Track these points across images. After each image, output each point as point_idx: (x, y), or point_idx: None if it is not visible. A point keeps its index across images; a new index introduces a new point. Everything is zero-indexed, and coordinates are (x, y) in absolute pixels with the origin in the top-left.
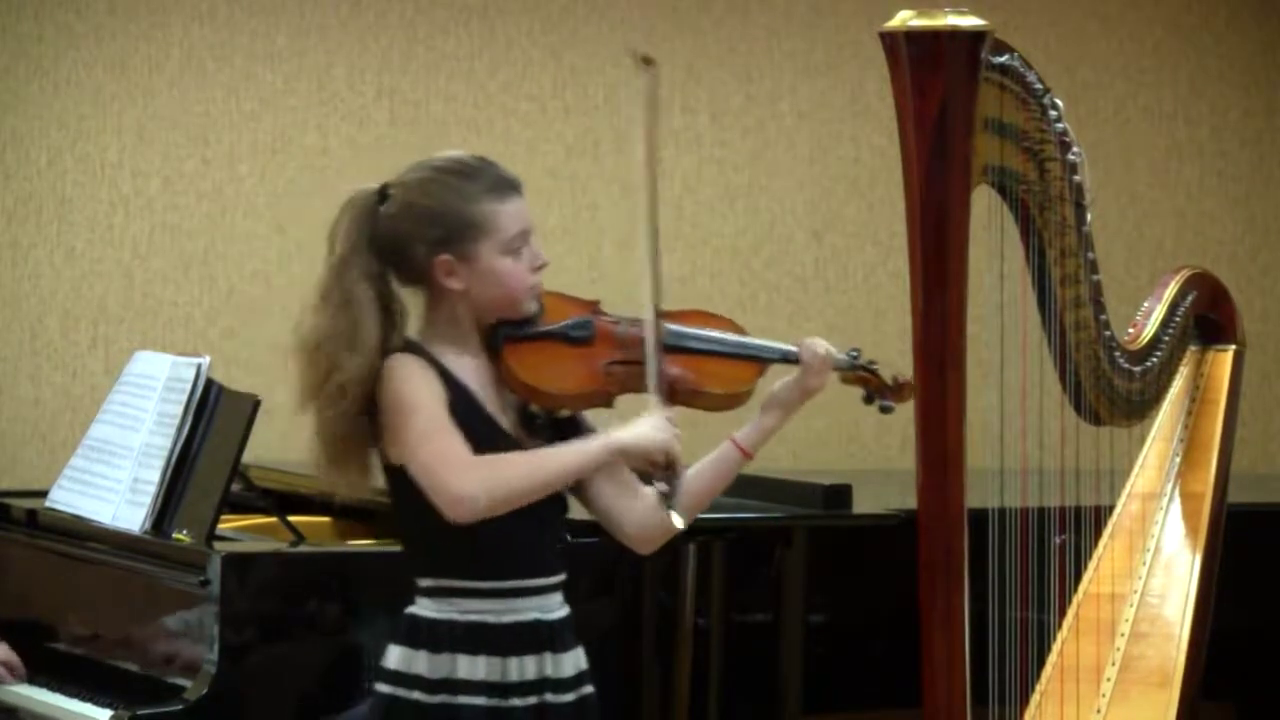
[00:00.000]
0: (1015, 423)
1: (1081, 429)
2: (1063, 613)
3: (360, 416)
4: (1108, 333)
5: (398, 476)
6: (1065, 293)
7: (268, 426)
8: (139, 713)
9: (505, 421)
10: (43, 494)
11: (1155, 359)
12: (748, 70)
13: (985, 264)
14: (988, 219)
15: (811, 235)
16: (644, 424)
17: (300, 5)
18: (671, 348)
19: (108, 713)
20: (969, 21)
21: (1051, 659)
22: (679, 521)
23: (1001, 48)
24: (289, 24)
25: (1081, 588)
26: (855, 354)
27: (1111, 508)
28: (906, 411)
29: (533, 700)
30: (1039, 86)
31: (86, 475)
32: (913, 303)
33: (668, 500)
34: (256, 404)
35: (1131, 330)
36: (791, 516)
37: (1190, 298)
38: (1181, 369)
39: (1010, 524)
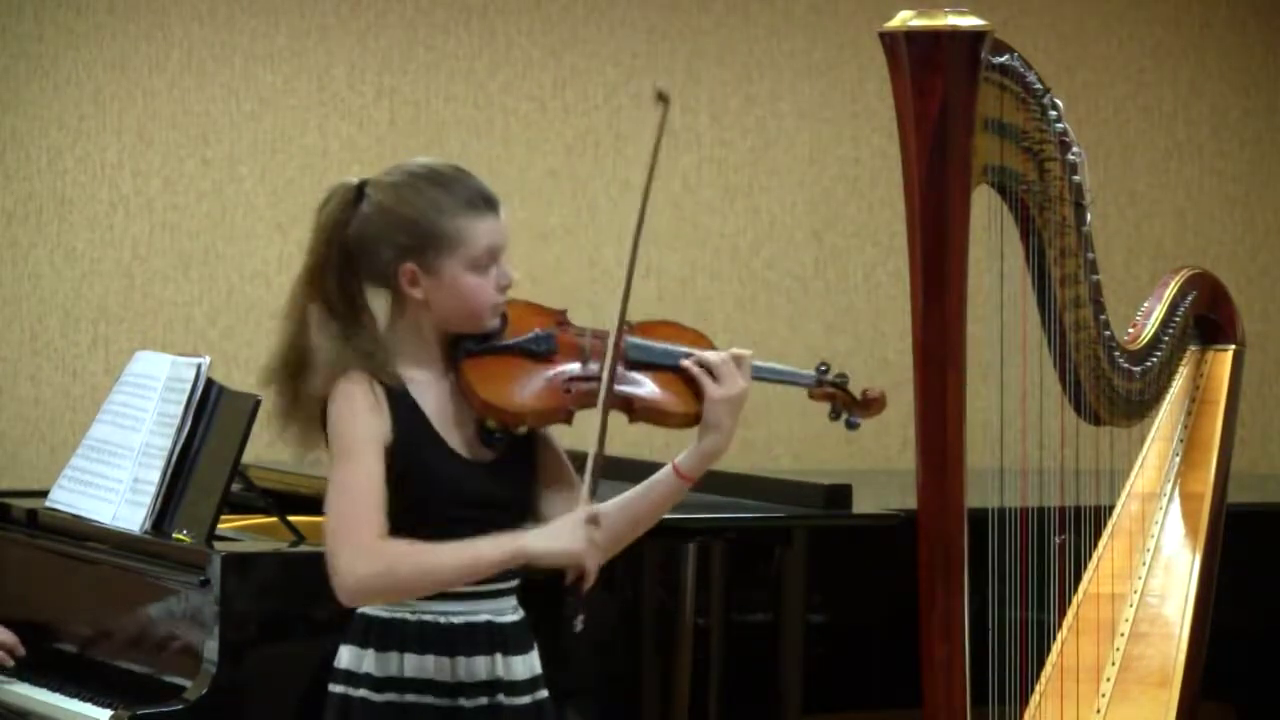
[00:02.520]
0: (1015, 423)
1: (1081, 429)
2: (1063, 613)
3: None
4: (1108, 333)
5: None
6: (1065, 293)
7: (268, 426)
8: (139, 713)
9: (458, 439)
10: (43, 494)
11: (1155, 359)
12: (748, 70)
13: (985, 264)
14: (988, 219)
15: (811, 235)
16: (561, 530)
17: (300, 5)
18: (635, 363)
19: (108, 713)
20: (969, 21)
21: (1051, 659)
22: (579, 627)
23: (1001, 48)
24: (289, 24)
25: (1081, 588)
26: (824, 368)
27: (1111, 508)
28: (907, 411)
29: (483, 701)
30: (1039, 86)
31: (86, 475)
32: (913, 303)
33: (575, 610)
34: (257, 404)
35: (1131, 330)
36: (791, 516)
37: (1190, 298)
38: (1181, 369)
39: (1010, 524)
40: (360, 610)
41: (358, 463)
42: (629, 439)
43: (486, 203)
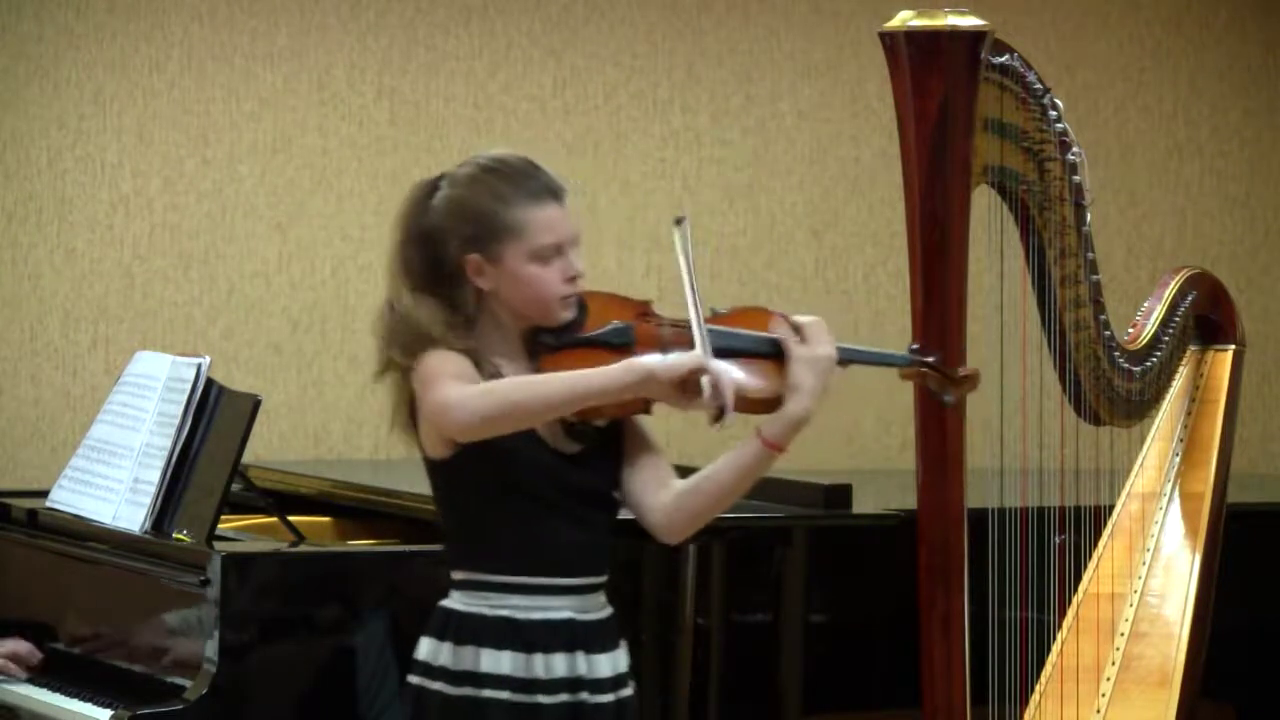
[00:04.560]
0: (1015, 423)
1: (1081, 429)
2: (1063, 613)
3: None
4: (1107, 333)
5: (436, 469)
6: (1065, 293)
7: (268, 426)
8: (139, 713)
9: (545, 429)
10: (43, 494)
11: (1155, 359)
12: (748, 70)
13: (985, 264)
14: (988, 219)
15: (811, 235)
16: (675, 354)
17: (300, 5)
18: (719, 350)
19: (108, 713)
20: (969, 21)
21: (1051, 659)
22: (730, 420)
23: (1001, 48)
24: (289, 24)
25: (1081, 588)
26: (915, 348)
27: (1111, 508)
28: (907, 411)
29: (564, 698)
30: (1039, 86)
31: (87, 475)
32: (913, 303)
33: (718, 418)
34: (257, 404)
35: (1131, 330)
36: (791, 516)
37: (1190, 298)
38: (1181, 369)
39: (1010, 524)
40: (442, 603)
41: (446, 366)
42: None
43: (551, 194)
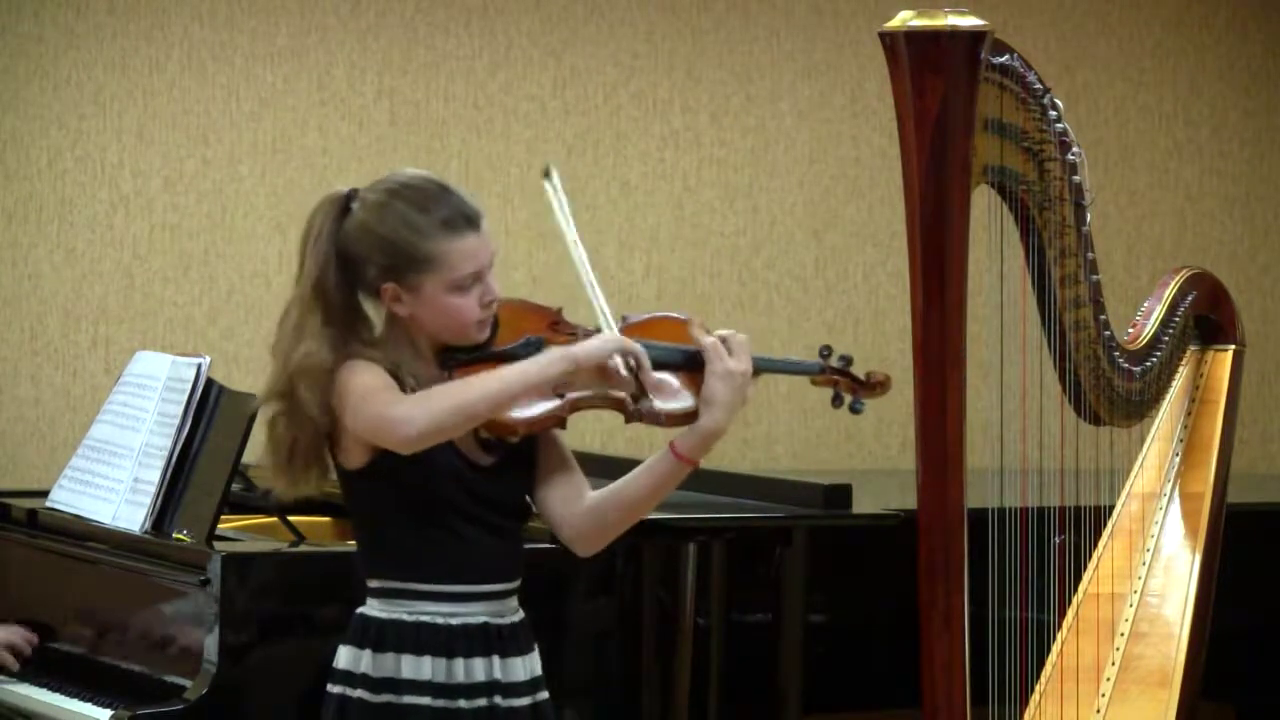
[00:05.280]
0: (1015, 423)
1: (1081, 429)
2: (1063, 613)
3: (311, 419)
4: (1107, 333)
5: (351, 478)
6: (1065, 293)
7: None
8: (139, 713)
9: (459, 440)
10: (43, 494)
11: (1155, 359)
12: (748, 70)
13: (985, 264)
14: (988, 219)
15: (811, 235)
16: (595, 337)
17: (300, 5)
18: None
19: (108, 713)
20: (969, 21)
21: (1051, 659)
22: (660, 408)
23: (1001, 48)
24: (289, 24)
25: (1081, 588)
26: (826, 352)
27: (1111, 508)
28: (907, 411)
29: (482, 703)
30: (1039, 86)
31: (87, 475)
32: (913, 303)
33: (641, 402)
34: (257, 404)
35: (1131, 330)
36: (791, 516)
37: (1190, 298)
38: (1181, 369)
39: (1010, 524)
40: (359, 610)
41: (373, 378)
42: (627, 437)
43: (467, 221)
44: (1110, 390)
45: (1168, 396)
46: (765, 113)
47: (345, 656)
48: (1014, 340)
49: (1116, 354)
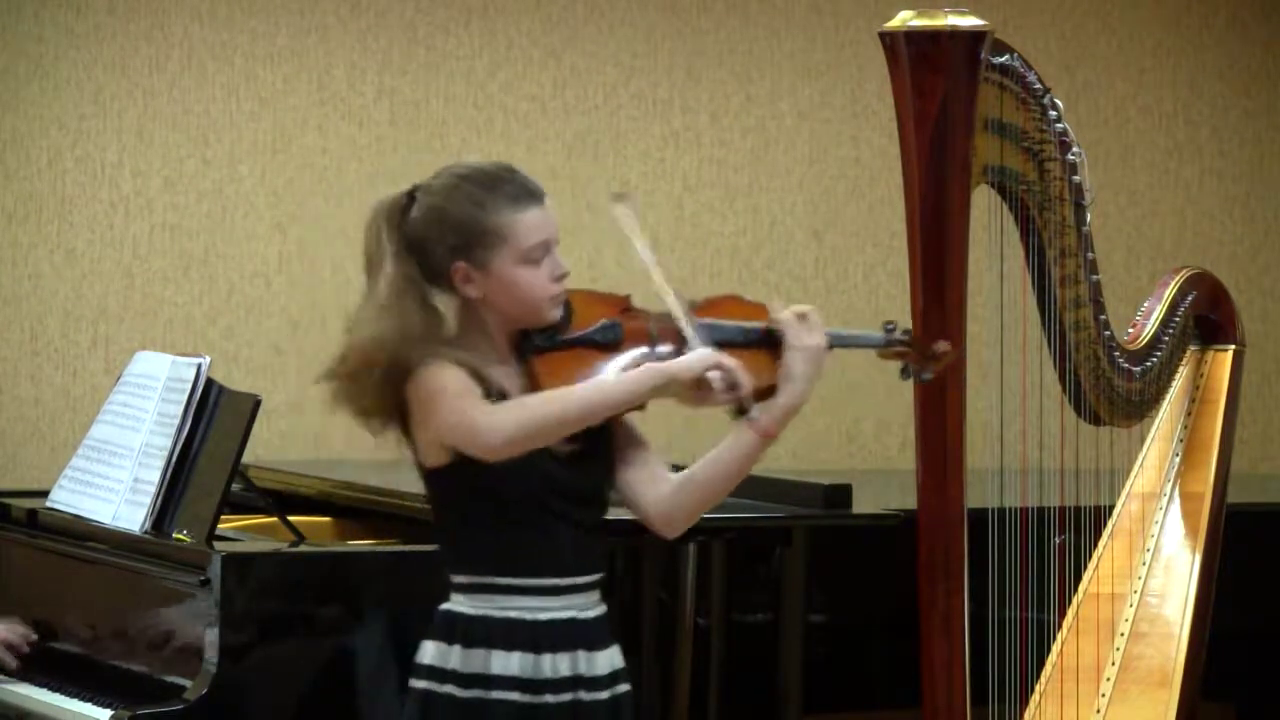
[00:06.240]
0: (1015, 423)
1: (1081, 429)
2: (1063, 613)
3: (384, 399)
4: (1107, 333)
5: (433, 477)
6: (1065, 293)
7: (268, 426)
8: (139, 713)
9: None
10: (43, 494)
11: (1155, 359)
12: (748, 70)
13: (985, 264)
14: (988, 219)
15: (811, 235)
16: (692, 353)
17: (300, 5)
18: (710, 344)
19: (108, 713)
20: (969, 21)
21: (1051, 659)
22: (756, 411)
23: (1001, 48)
24: (289, 24)
25: (1081, 588)
26: (891, 327)
27: (1111, 508)
28: (907, 411)
29: (567, 698)
30: (1039, 86)
31: (87, 475)
32: (913, 303)
33: (742, 413)
34: (257, 404)
35: (1131, 330)
36: (791, 516)
37: (1190, 298)
38: (1181, 369)
39: (1010, 524)
40: (444, 606)
41: (457, 385)
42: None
43: (531, 195)
44: (1110, 390)
45: (1168, 396)
46: (765, 113)
47: (432, 652)
48: (1014, 340)
49: (1116, 354)
